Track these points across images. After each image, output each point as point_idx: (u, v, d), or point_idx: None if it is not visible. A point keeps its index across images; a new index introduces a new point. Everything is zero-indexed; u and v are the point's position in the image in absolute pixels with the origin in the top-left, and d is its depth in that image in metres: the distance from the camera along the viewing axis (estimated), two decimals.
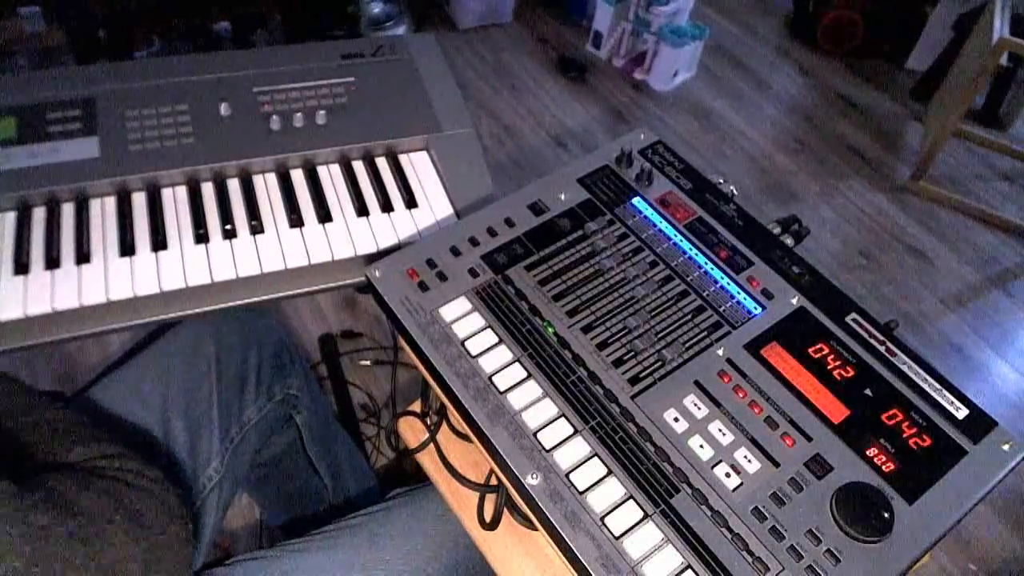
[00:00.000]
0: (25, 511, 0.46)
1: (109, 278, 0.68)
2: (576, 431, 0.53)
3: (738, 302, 0.61)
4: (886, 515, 0.49)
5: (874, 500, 0.49)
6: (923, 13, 2.37)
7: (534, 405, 0.54)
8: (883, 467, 0.52)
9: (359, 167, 0.82)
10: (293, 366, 0.86)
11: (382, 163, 0.83)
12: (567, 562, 0.49)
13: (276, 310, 1.52)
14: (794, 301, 0.61)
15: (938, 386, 0.56)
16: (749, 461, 0.52)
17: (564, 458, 0.51)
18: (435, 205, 0.79)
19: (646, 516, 0.49)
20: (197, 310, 0.69)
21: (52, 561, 0.46)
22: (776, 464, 0.52)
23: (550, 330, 0.58)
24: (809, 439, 0.53)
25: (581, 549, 0.47)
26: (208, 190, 0.77)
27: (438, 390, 0.58)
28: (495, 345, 0.57)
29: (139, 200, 0.75)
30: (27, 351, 0.66)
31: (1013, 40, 1.69)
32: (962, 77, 1.95)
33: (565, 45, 2.43)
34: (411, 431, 0.74)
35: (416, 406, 0.74)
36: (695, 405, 0.54)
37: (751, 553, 0.48)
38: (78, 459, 0.55)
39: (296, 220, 0.75)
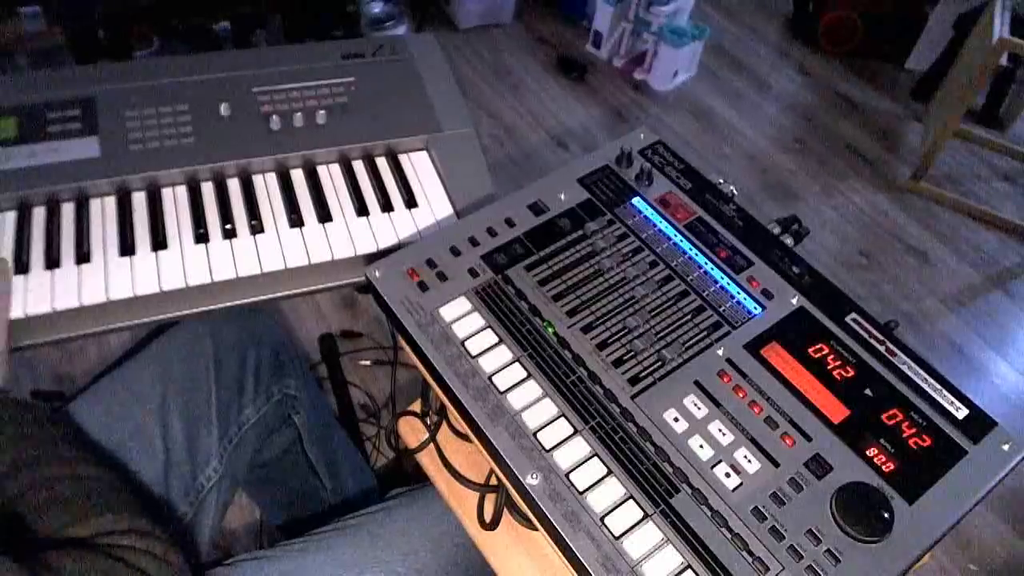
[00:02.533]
0: None
1: (109, 278, 0.68)
2: (576, 431, 0.53)
3: (738, 302, 0.61)
4: (886, 515, 0.49)
5: (874, 500, 0.49)
6: (923, 13, 2.37)
7: (534, 405, 0.54)
8: (883, 467, 0.52)
9: (359, 167, 0.82)
10: (292, 366, 0.86)
11: (382, 163, 0.83)
12: (567, 562, 0.49)
13: (276, 310, 1.52)
14: (794, 301, 0.61)
15: (938, 386, 0.56)
16: (749, 461, 0.52)
17: (564, 458, 0.51)
18: (435, 205, 0.79)
19: (646, 516, 0.49)
20: (197, 310, 0.69)
21: None
22: (776, 464, 0.52)
23: (550, 330, 0.58)
24: (809, 439, 0.53)
25: (581, 549, 0.47)
26: (208, 190, 0.77)
27: (438, 390, 0.58)
28: (495, 345, 0.57)
29: (139, 200, 0.75)
30: (27, 351, 0.66)
31: (1013, 40, 1.69)
32: (962, 77, 1.95)
33: (565, 45, 2.43)
34: (411, 431, 0.74)
35: (416, 406, 0.74)
36: (695, 405, 0.54)
37: (751, 553, 0.48)
38: (106, 528, 0.49)
39: (296, 220, 0.75)
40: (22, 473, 0.51)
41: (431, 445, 0.70)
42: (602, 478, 0.51)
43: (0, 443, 0.52)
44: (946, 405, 0.55)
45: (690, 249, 0.64)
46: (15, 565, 0.42)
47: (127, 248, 0.71)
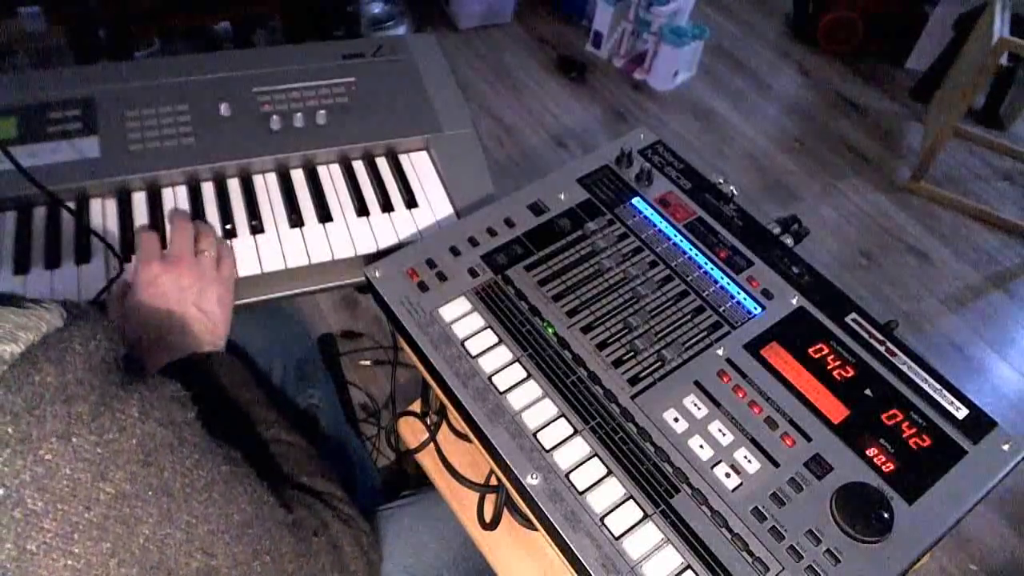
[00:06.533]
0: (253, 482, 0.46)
1: (109, 278, 0.68)
2: (576, 431, 0.53)
3: (738, 302, 0.61)
4: (886, 515, 0.49)
5: (874, 500, 0.49)
6: (923, 13, 2.37)
7: (534, 405, 0.54)
8: (883, 467, 0.52)
9: (359, 167, 0.82)
10: (316, 376, 0.85)
11: (382, 163, 0.83)
12: (567, 562, 0.49)
13: (275, 310, 1.51)
14: (794, 301, 0.61)
15: (938, 386, 0.56)
16: (749, 461, 0.52)
17: (564, 458, 0.51)
18: (435, 205, 0.79)
19: (646, 516, 0.49)
20: None
21: (262, 537, 0.44)
22: (776, 464, 0.52)
23: (550, 330, 0.58)
24: (809, 439, 0.53)
25: (581, 549, 0.47)
26: (208, 190, 0.77)
27: (438, 390, 0.58)
28: (495, 345, 0.57)
29: (139, 200, 0.75)
30: None
31: (1013, 40, 1.69)
32: (962, 77, 1.95)
33: (565, 45, 2.43)
34: (411, 431, 0.74)
35: (416, 406, 0.74)
36: (695, 405, 0.54)
37: (751, 553, 0.48)
38: (305, 485, 0.54)
39: (296, 220, 0.75)
40: (253, 428, 0.56)
41: (431, 445, 0.70)
42: (602, 478, 0.51)
43: (244, 397, 0.57)
44: (946, 405, 0.55)
45: (690, 249, 0.64)
46: (258, 480, 0.46)
47: (127, 248, 0.71)
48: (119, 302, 0.63)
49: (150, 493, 0.37)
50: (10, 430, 0.32)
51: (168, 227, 0.72)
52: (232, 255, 0.71)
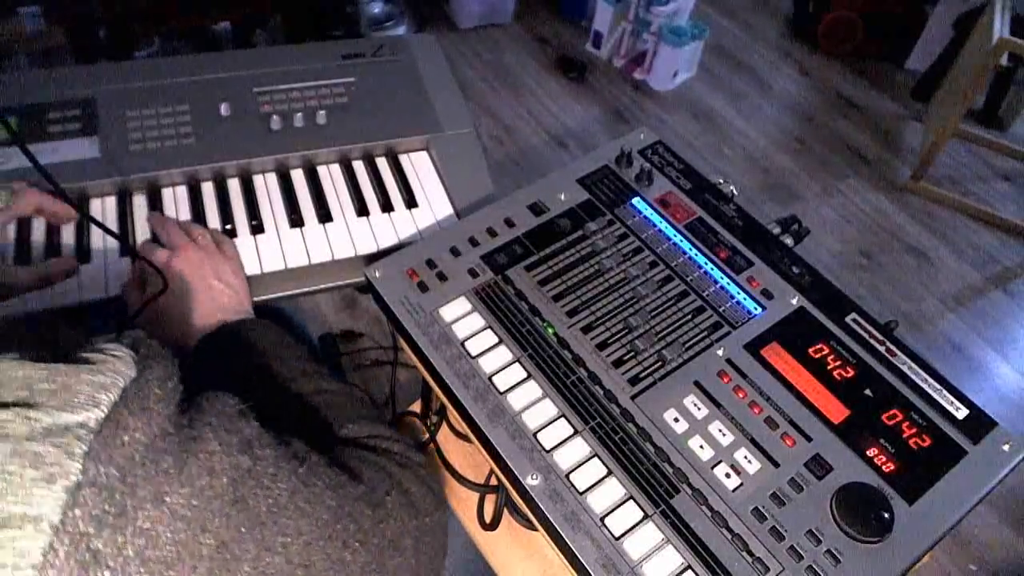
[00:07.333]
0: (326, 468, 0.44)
1: (109, 277, 0.68)
2: (576, 431, 0.53)
3: (738, 302, 0.61)
4: (886, 515, 0.49)
5: (874, 500, 0.49)
6: (923, 13, 2.37)
7: (534, 405, 0.54)
8: (883, 467, 0.52)
9: (359, 167, 0.82)
10: None
11: (382, 163, 0.83)
12: (567, 563, 0.49)
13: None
14: (794, 301, 0.61)
15: (938, 386, 0.56)
16: (749, 461, 0.52)
17: (564, 458, 0.51)
18: (435, 205, 0.79)
19: (646, 516, 0.49)
20: None
21: (348, 525, 0.43)
22: (776, 464, 0.52)
23: (550, 330, 0.58)
24: (809, 439, 0.53)
25: (581, 550, 0.47)
26: (208, 190, 0.77)
27: (438, 390, 0.58)
28: (495, 345, 0.57)
29: (139, 200, 0.75)
30: None
31: (1013, 40, 1.69)
32: (962, 77, 1.96)
33: (565, 45, 2.43)
34: (411, 431, 0.74)
35: (416, 406, 0.74)
36: (695, 405, 0.54)
37: (751, 553, 0.48)
38: (352, 435, 0.54)
39: (296, 220, 0.75)
40: (295, 384, 0.55)
41: (431, 445, 0.70)
42: (602, 478, 0.51)
43: (283, 355, 0.57)
44: (946, 405, 0.55)
45: (690, 249, 0.64)
46: (323, 459, 0.45)
47: (127, 248, 0.71)
48: (143, 305, 0.63)
49: (243, 530, 0.36)
50: (107, 507, 0.31)
51: (158, 231, 0.71)
52: (228, 238, 0.72)
